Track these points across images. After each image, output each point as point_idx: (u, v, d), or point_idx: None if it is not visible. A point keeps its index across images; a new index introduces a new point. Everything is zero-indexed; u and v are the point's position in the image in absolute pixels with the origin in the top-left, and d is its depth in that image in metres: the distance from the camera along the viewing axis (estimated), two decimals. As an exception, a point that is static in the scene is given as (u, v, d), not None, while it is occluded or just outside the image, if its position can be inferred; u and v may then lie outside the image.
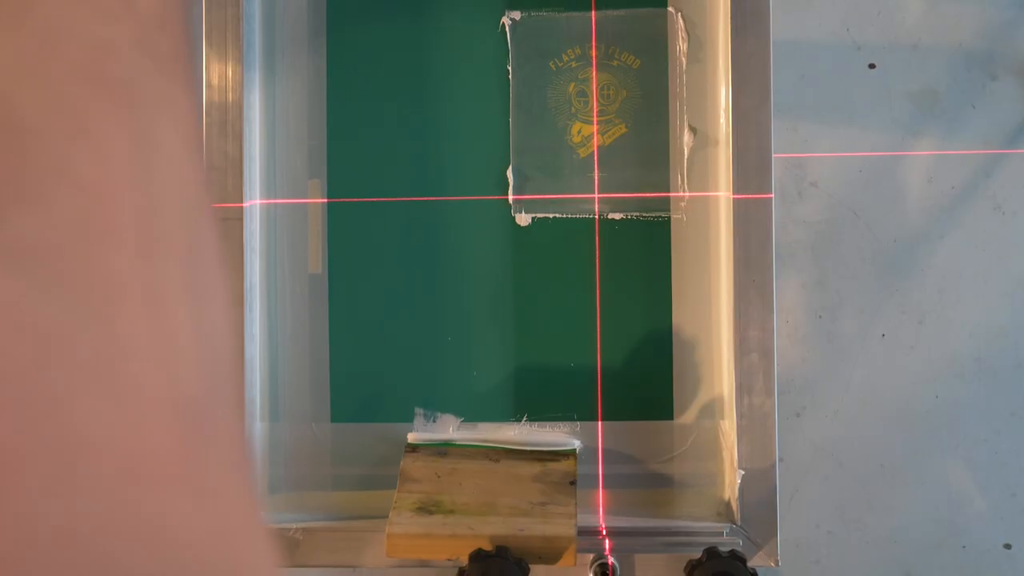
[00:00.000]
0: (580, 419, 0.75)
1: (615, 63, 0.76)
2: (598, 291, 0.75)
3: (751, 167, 0.72)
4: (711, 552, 0.68)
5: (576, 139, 0.76)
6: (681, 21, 0.75)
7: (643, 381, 0.75)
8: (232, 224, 0.74)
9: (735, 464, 0.72)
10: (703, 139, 0.75)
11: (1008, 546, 1.30)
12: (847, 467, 1.31)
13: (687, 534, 0.72)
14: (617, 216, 0.75)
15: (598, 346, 0.75)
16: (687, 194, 0.75)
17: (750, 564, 0.69)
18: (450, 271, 0.76)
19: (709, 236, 0.75)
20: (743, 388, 0.72)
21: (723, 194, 0.74)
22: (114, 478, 0.15)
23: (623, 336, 0.75)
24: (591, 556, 0.78)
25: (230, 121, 0.74)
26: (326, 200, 0.76)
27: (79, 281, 0.16)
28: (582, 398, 0.75)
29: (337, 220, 0.76)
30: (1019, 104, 1.32)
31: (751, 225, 0.72)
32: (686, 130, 0.75)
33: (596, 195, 0.75)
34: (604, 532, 0.72)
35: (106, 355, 0.16)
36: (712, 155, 0.75)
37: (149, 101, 0.19)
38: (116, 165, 0.18)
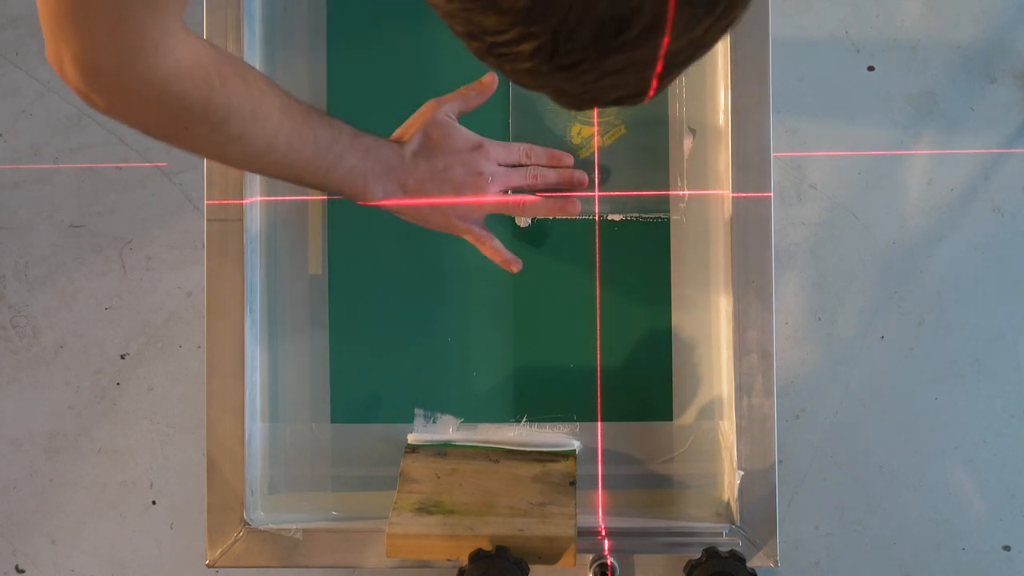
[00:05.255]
0: (580, 420, 0.75)
1: (615, 64, 0.76)
2: (598, 291, 0.75)
3: (750, 167, 0.73)
4: (711, 552, 0.69)
5: (576, 140, 0.76)
6: (681, 22, 0.75)
7: (643, 382, 0.75)
8: (232, 224, 0.74)
9: (735, 465, 0.72)
10: (702, 140, 0.75)
11: (1007, 548, 1.30)
12: (846, 468, 1.31)
13: (686, 534, 0.72)
14: (617, 217, 0.75)
15: (598, 346, 0.75)
16: (686, 192, 0.75)
17: (749, 564, 0.69)
18: (450, 271, 0.76)
19: (708, 237, 0.75)
20: (742, 389, 0.72)
21: (722, 193, 0.74)
22: None
23: (623, 336, 0.75)
24: (591, 556, 0.78)
25: (230, 121, 0.74)
26: (326, 197, 0.76)
27: None
28: (582, 398, 0.75)
29: (337, 219, 0.76)
30: (1017, 106, 1.32)
31: (750, 225, 0.72)
32: (686, 131, 0.75)
33: (596, 194, 0.75)
34: (604, 532, 0.72)
35: None
36: (711, 156, 0.75)
37: None
38: None
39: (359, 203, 0.68)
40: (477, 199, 0.70)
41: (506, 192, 0.72)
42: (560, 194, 0.74)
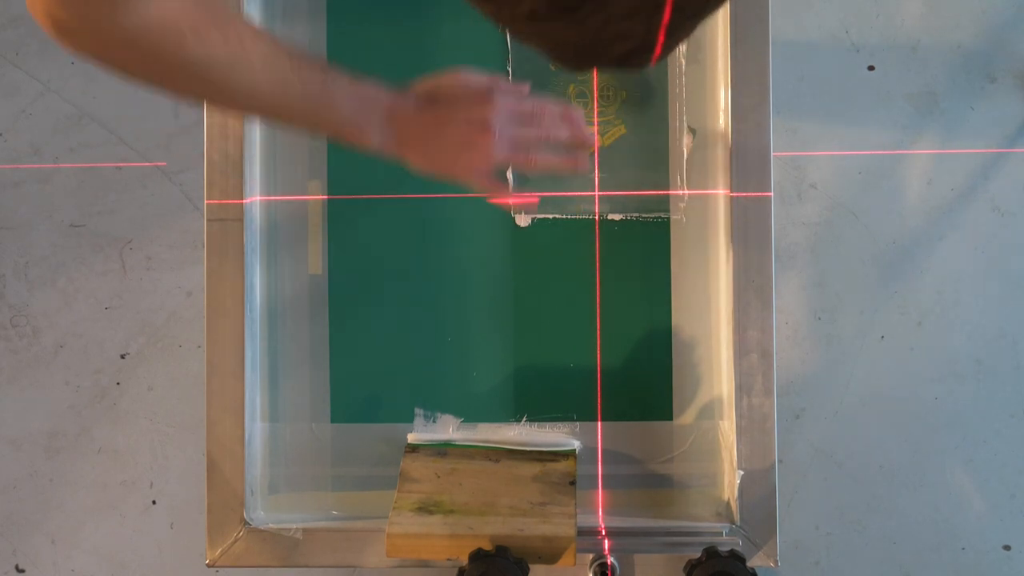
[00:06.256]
0: (580, 419, 0.75)
1: (615, 64, 0.76)
2: (598, 291, 0.75)
3: (750, 167, 0.73)
4: (711, 552, 0.69)
5: (576, 140, 0.76)
6: (681, 22, 0.75)
7: (643, 382, 0.75)
8: (232, 224, 0.74)
9: (735, 465, 0.72)
10: (702, 139, 0.75)
11: (1007, 548, 1.30)
12: (846, 468, 1.31)
13: (687, 534, 0.72)
14: (617, 216, 0.75)
15: (598, 346, 0.75)
16: (686, 192, 0.75)
17: (749, 564, 0.69)
18: (450, 271, 0.76)
19: (708, 237, 0.75)
20: (742, 389, 0.72)
21: (722, 192, 0.74)
22: None
23: (623, 336, 0.75)
24: (591, 556, 0.78)
25: (230, 121, 0.74)
26: (326, 197, 0.76)
27: None
28: (582, 398, 0.75)
29: (337, 219, 0.76)
30: (1017, 105, 1.32)
31: (750, 225, 0.72)
32: (685, 131, 0.75)
33: (596, 193, 0.75)
34: (604, 532, 0.72)
35: None
36: (711, 155, 0.75)
37: None
38: None
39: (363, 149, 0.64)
40: (484, 146, 0.65)
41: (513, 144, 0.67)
42: (565, 162, 0.70)
